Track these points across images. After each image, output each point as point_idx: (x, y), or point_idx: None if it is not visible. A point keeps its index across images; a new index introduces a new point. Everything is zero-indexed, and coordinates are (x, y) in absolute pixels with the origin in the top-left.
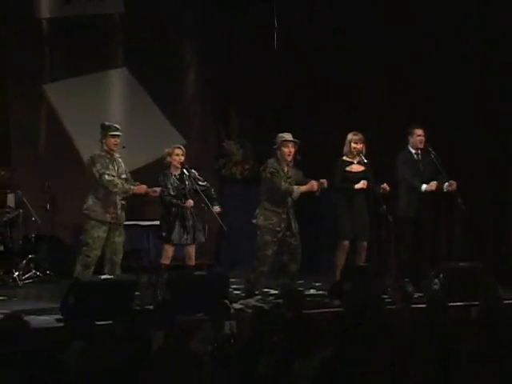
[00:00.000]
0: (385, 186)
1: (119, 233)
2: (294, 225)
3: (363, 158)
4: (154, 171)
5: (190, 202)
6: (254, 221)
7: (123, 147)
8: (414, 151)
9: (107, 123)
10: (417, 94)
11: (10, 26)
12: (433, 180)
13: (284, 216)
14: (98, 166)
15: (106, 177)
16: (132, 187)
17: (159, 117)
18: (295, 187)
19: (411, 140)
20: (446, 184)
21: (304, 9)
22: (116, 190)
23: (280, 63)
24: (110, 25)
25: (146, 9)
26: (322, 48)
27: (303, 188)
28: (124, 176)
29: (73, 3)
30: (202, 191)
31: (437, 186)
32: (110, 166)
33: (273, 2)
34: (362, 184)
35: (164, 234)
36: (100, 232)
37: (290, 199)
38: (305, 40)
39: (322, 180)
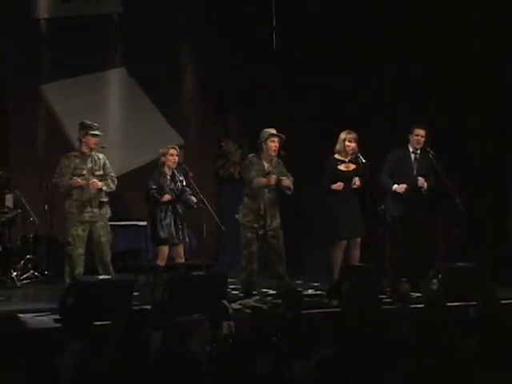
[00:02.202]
0: (356, 179)
1: (103, 232)
2: (275, 223)
3: (361, 157)
4: (152, 171)
5: (167, 197)
6: (236, 216)
7: (102, 147)
8: (412, 150)
9: (88, 122)
10: (416, 94)
11: (8, 26)
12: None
13: (261, 213)
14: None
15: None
16: (70, 182)
17: (157, 116)
18: (256, 179)
19: (411, 139)
20: (420, 179)
21: (303, 8)
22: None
23: (279, 63)
24: (108, 24)
25: (144, 8)
26: (321, 48)
27: (262, 180)
28: (99, 173)
29: (71, 3)
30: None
31: (405, 189)
32: (80, 164)
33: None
34: (338, 185)
35: (156, 235)
36: (79, 230)
37: (266, 196)
38: (304, 40)
39: (274, 176)
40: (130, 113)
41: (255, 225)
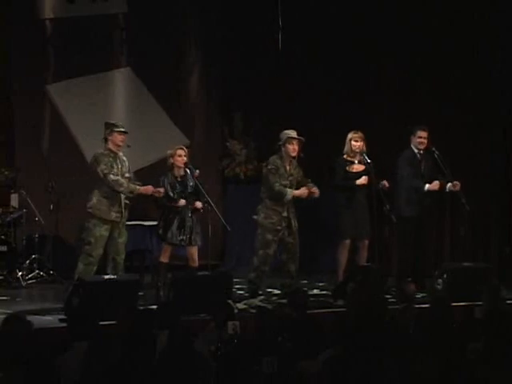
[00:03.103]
0: (384, 182)
1: (122, 233)
2: (294, 223)
3: (366, 157)
4: (157, 171)
5: (182, 202)
6: (254, 216)
7: (128, 146)
8: (416, 151)
9: (112, 121)
10: (420, 94)
11: (13, 27)
12: (434, 180)
13: (285, 214)
14: (102, 166)
15: (112, 176)
16: (138, 187)
17: (163, 116)
18: (289, 190)
19: (413, 140)
20: (450, 184)
21: (308, 9)
22: (122, 189)
23: (284, 63)
24: (113, 25)
25: (150, 9)
26: (327, 48)
27: (296, 193)
28: (128, 175)
29: (76, 3)
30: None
31: (440, 186)
32: (114, 165)
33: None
34: (363, 179)
35: (160, 231)
36: (102, 230)
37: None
38: (309, 40)
39: (313, 189)
40: (135, 113)
41: (279, 227)
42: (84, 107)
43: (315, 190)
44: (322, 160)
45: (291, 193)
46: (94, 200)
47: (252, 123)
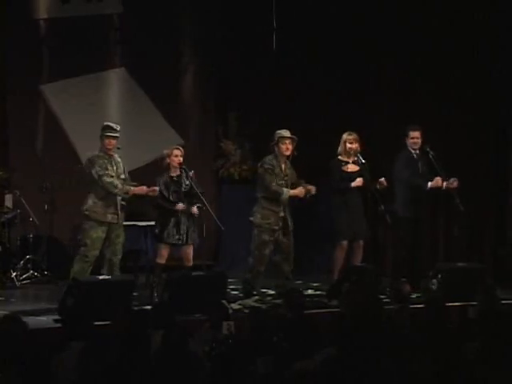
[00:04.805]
0: (382, 180)
1: (119, 234)
2: (291, 224)
3: (361, 158)
4: (152, 171)
5: (180, 206)
6: (251, 218)
7: (118, 148)
8: (412, 151)
9: (106, 123)
10: (420, 94)
11: (8, 27)
12: (431, 179)
13: (281, 214)
14: (97, 168)
15: (106, 178)
16: (131, 188)
17: (157, 117)
18: (285, 190)
19: (407, 141)
20: (446, 183)
21: (303, 8)
22: (116, 191)
23: (279, 63)
24: (108, 25)
25: (145, 9)
26: (321, 48)
27: (292, 192)
28: (123, 176)
29: (71, 3)
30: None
31: (442, 182)
32: (109, 167)
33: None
34: (358, 181)
35: (157, 231)
36: (99, 232)
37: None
38: (304, 40)
39: (309, 187)
40: (129, 113)
41: (276, 227)
42: (79, 107)
43: (311, 187)
44: (321, 160)
45: (288, 192)
46: (90, 202)
47: (247, 123)
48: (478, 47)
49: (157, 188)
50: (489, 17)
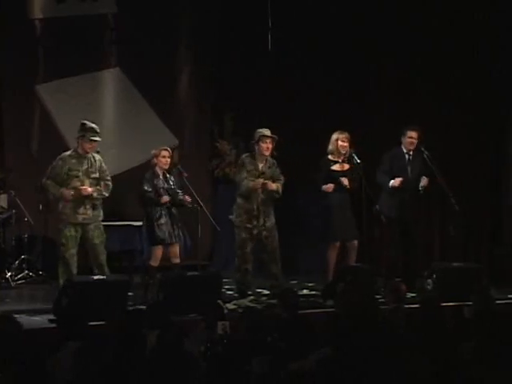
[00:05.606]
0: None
1: (98, 233)
2: (269, 223)
3: (356, 157)
4: (146, 171)
5: (165, 198)
6: (230, 216)
7: (97, 152)
8: (405, 151)
9: (88, 125)
10: (420, 94)
11: (2, 26)
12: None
13: (255, 213)
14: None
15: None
16: (60, 191)
17: (152, 117)
18: (245, 181)
19: (403, 140)
20: (421, 183)
21: (298, 8)
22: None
23: (274, 63)
24: (103, 25)
25: (140, 9)
26: (317, 48)
27: (251, 184)
28: (95, 175)
29: (66, 3)
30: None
31: (400, 182)
32: (76, 166)
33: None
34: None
35: (146, 234)
36: (72, 231)
37: (260, 196)
38: (299, 40)
39: (263, 181)
40: (124, 113)
41: (248, 225)
42: (74, 107)
43: (272, 184)
44: (311, 160)
45: (246, 183)
46: (60, 205)
47: (241, 123)
48: (478, 47)
49: (89, 189)
50: (489, 17)
